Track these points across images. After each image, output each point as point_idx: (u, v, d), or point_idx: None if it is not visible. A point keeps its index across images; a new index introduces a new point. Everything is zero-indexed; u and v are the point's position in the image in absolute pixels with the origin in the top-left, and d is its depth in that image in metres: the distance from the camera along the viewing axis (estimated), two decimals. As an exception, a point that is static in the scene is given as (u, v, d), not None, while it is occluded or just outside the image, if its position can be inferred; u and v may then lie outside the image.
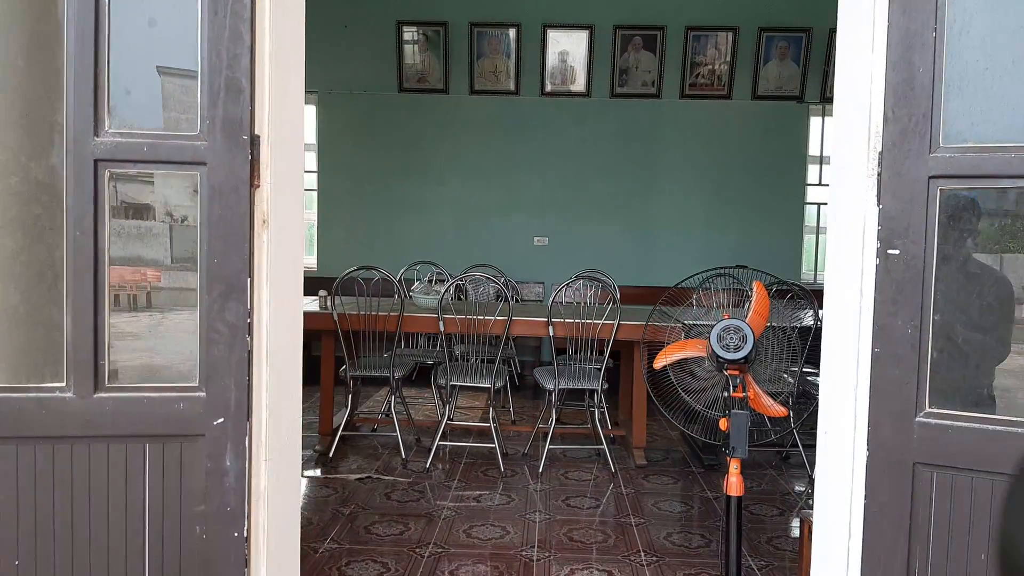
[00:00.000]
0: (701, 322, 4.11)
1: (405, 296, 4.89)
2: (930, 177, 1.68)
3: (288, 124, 1.96)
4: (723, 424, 2.34)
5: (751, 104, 6.86)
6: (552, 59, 6.77)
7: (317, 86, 6.93)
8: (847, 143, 1.85)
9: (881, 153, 1.74)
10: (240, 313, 1.78)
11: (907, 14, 1.67)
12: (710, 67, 6.80)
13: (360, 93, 6.91)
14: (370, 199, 6.97)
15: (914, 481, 1.70)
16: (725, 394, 2.37)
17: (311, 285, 7.02)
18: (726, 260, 6.97)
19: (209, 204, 1.76)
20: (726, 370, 2.40)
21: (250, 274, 1.80)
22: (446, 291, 4.36)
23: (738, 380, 2.38)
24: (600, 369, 4.59)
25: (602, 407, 4.83)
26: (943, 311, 1.69)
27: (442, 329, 4.38)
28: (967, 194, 1.70)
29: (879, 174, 1.74)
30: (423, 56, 6.80)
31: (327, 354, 4.65)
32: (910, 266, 1.69)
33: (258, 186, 1.83)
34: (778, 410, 2.49)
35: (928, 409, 1.70)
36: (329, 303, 4.43)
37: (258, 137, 1.82)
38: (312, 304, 4.79)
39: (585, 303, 4.43)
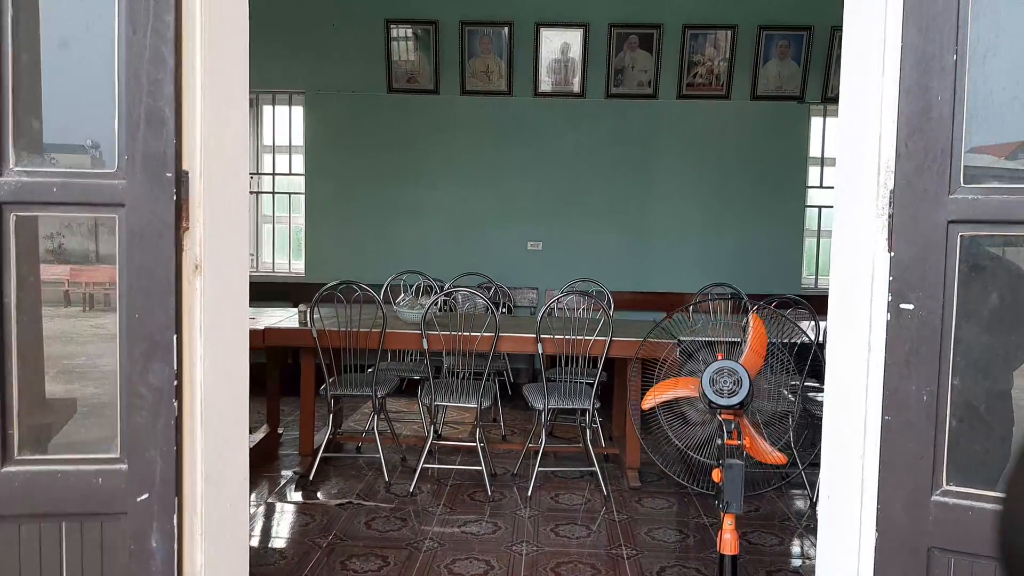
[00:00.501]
0: (697, 338, 3.87)
1: (390, 308, 4.68)
2: (949, 222, 1.46)
3: (228, 155, 1.74)
4: (716, 475, 2.12)
5: (750, 104, 6.62)
6: (546, 58, 6.53)
7: (304, 86, 6.70)
8: (853, 177, 1.63)
9: (893, 191, 1.51)
10: (165, 375, 1.56)
11: (924, 34, 1.44)
12: (708, 66, 6.56)
13: (348, 93, 6.68)
14: (359, 203, 6.74)
15: (929, 568, 1.49)
16: (719, 441, 2.16)
17: (299, 292, 6.82)
18: (725, 265, 6.76)
19: (128, 251, 1.54)
20: (720, 414, 2.19)
21: (178, 329, 1.58)
22: (430, 307, 4.14)
23: (733, 425, 2.16)
24: (592, 385, 4.38)
25: (595, 424, 4.62)
26: (963, 375, 1.47)
27: (426, 347, 4.16)
28: (992, 242, 1.47)
29: (890, 215, 1.52)
30: (413, 56, 6.57)
31: (307, 372, 4.44)
32: (926, 323, 1.47)
33: (187, 228, 1.61)
34: (777, 457, 2.27)
35: (946, 487, 1.49)
36: (308, 318, 4.21)
37: (187, 173, 1.60)
38: (292, 319, 4.57)
39: (576, 317, 4.20)
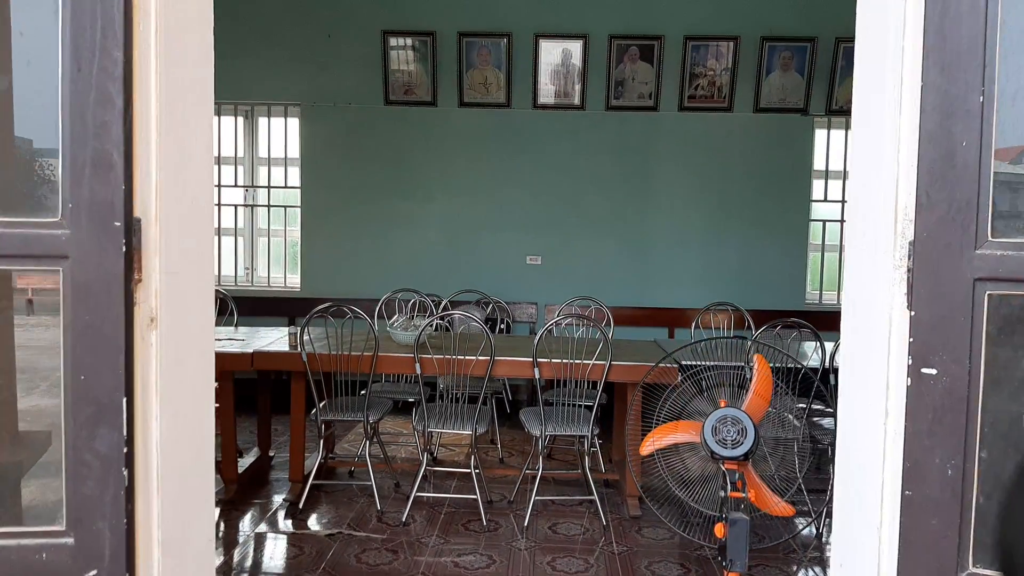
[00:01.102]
0: (700, 363, 3.73)
1: (384, 328, 4.54)
2: (975, 279, 1.31)
3: (189, 198, 1.60)
4: (719, 530, 1.98)
5: (753, 117, 6.47)
6: (545, 70, 6.39)
7: (300, 98, 6.57)
8: (868, 224, 1.48)
9: (912, 244, 1.37)
10: (114, 441, 1.42)
11: (946, 73, 1.30)
12: (710, 78, 6.41)
13: (344, 106, 6.55)
14: (355, 216, 6.61)
15: (954, 659, 1.34)
16: (722, 493, 2.01)
17: (294, 308, 6.69)
18: (727, 279, 6.61)
19: (73, 307, 1.40)
20: (723, 464, 2.04)
21: (129, 390, 1.44)
22: (422, 330, 4.00)
23: (737, 476, 2.01)
24: (592, 408, 4.23)
25: (594, 448, 4.47)
26: (992, 447, 1.33)
27: (419, 371, 4.02)
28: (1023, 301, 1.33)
29: (910, 269, 1.37)
30: (410, 67, 6.43)
31: (297, 395, 4.30)
32: (951, 391, 1.32)
33: (140, 280, 1.47)
34: (784, 508, 2.13)
35: (972, 569, 1.34)
36: (298, 341, 4.07)
37: (139, 221, 1.46)
38: (282, 341, 4.43)
39: (575, 339, 4.05)
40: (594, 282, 6.53)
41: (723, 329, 5.18)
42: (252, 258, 6.84)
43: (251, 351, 4.15)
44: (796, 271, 6.57)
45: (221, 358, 4.18)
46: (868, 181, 1.49)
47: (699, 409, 2.39)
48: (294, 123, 6.67)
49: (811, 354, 4.47)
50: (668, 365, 4.04)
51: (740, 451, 1.96)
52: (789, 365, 3.90)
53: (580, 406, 4.11)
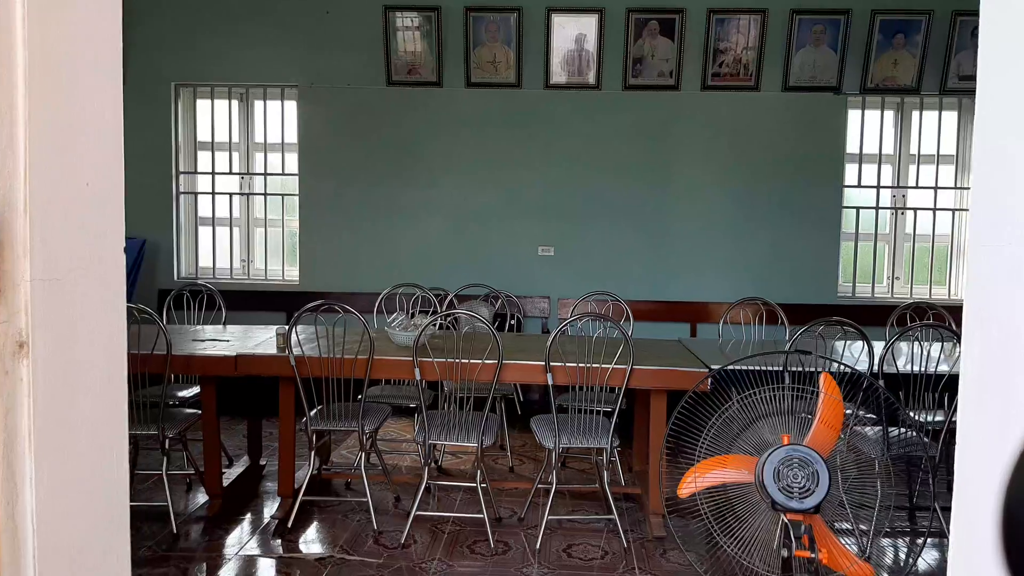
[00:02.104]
0: (734, 366, 3.29)
1: (381, 328, 4.12)
2: None
3: (80, 183, 1.17)
4: (781, 602, 1.55)
5: (782, 96, 5.99)
6: (558, 47, 5.92)
7: (296, 79, 6.13)
8: (1000, 261, 1.04)
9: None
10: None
11: None
12: (735, 54, 5.93)
13: (344, 87, 6.11)
14: (356, 205, 6.18)
15: None
16: (784, 552, 1.58)
17: (293, 302, 6.27)
18: (754, 271, 6.14)
19: None
20: (785, 514, 1.61)
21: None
22: (422, 331, 3.56)
23: (803, 529, 1.58)
24: (612, 415, 3.80)
25: (612, 459, 4.03)
26: None
27: (418, 377, 3.59)
28: None
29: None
30: (414, 45, 5.98)
31: (285, 402, 3.88)
32: None
33: (-3, 293, 1.04)
34: (861, 568, 1.69)
35: None
36: (286, 343, 3.65)
37: (-7, 211, 1.03)
38: (271, 343, 4.02)
39: (591, 339, 3.61)
40: (610, 274, 6.09)
41: (753, 325, 4.73)
42: (248, 250, 6.43)
43: (234, 354, 3.73)
44: (828, 262, 6.10)
45: (202, 362, 3.79)
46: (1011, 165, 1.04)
47: (758, 443, 1.95)
48: (292, 106, 6.25)
49: (858, 358, 4.01)
50: (697, 369, 3.61)
51: (811, 503, 1.53)
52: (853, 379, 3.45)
53: (598, 413, 3.67)
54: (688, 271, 6.09)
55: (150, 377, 3.73)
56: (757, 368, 3.67)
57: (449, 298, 5.15)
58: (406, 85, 6.06)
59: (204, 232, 6.43)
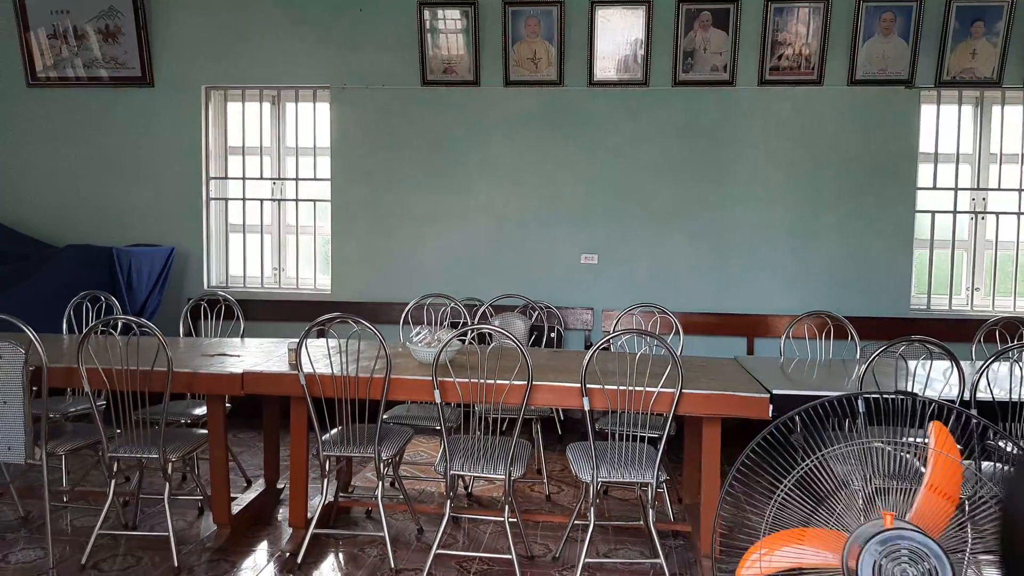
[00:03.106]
0: (824, 393, 2.81)
1: (401, 344, 3.73)
2: None
3: None
4: None
5: (847, 91, 5.44)
6: (602, 42, 5.48)
7: (329, 79, 5.82)
8: None
9: None
10: None
11: None
12: (796, 46, 5.41)
13: (377, 88, 5.77)
14: (389, 210, 5.82)
15: None
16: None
17: (325, 312, 5.91)
18: (817, 281, 5.58)
19: None
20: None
21: None
22: (443, 348, 3.15)
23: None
24: (659, 440, 3.34)
25: (660, 490, 3.56)
26: None
27: (438, 400, 3.18)
28: None
29: None
30: (450, 43, 5.61)
31: (297, 424, 3.51)
32: None
33: None
34: None
35: None
36: (297, 359, 3.28)
37: None
38: (284, 359, 3.65)
39: (635, 359, 3.15)
40: (659, 284, 5.61)
41: (820, 340, 4.20)
42: (280, 259, 6.12)
43: (241, 371, 3.37)
44: (899, 272, 5.51)
45: (206, 380, 3.43)
46: None
47: (845, 511, 1.48)
48: (324, 108, 5.93)
49: (947, 382, 3.45)
50: (756, 395, 3.12)
51: (931, 611, 1.08)
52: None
53: (642, 439, 3.20)
54: (744, 280, 5.57)
55: (173, 395, 3.39)
56: (828, 394, 3.17)
57: (482, 310, 4.74)
58: (442, 85, 5.69)
59: (235, 239, 6.15)
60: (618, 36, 5.46)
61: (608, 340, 3.11)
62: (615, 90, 5.56)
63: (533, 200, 5.69)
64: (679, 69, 5.47)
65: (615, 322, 4.32)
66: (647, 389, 3.09)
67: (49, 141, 6.05)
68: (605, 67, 5.52)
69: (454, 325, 4.75)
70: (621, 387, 3.09)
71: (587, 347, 5.59)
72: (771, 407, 3.12)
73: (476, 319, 4.64)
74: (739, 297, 5.58)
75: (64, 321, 4.40)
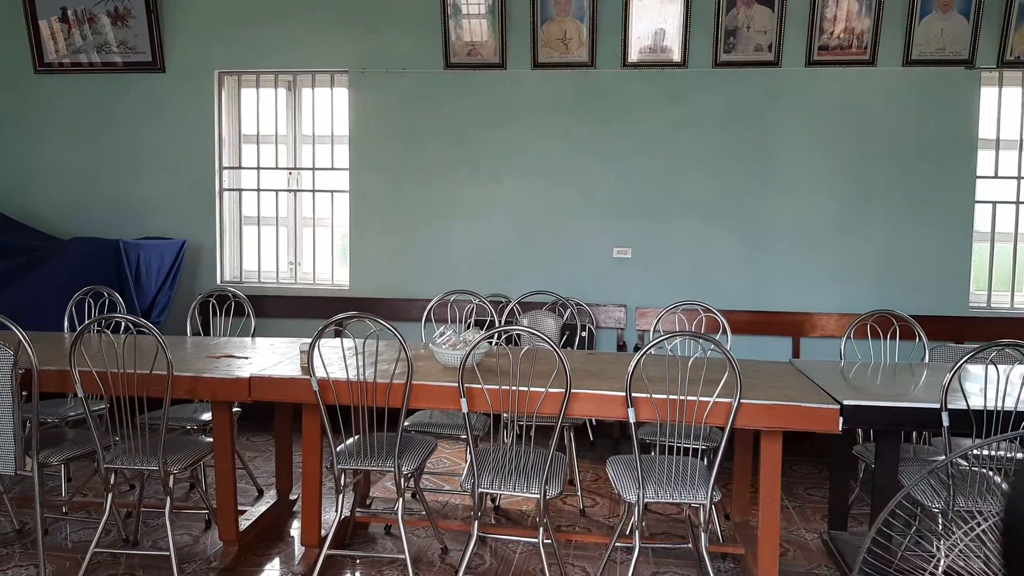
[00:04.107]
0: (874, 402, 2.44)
1: (423, 345, 3.38)
2: None
3: None
4: None
5: (902, 72, 5.02)
6: (637, 20, 5.09)
7: (347, 63, 5.47)
8: None
9: None
10: None
11: None
12: (846, 24, 4.99)
13: (398, 72, 5.42)
14: (411, 201, 5.48)
15: None
16: None
17: (343, 308, 5.58)
18: (869, 277, 5.16)
19: None
20: None
21: None
22: (471, 351, 2.79)
23: None
24: (711, 454, 2.96)
25: (711, 524, 3.20)
26: None
27: (465, 410, 2.83)
28: None
29: None
30: (474, 23, 5.25)
31: (310, 433, 3.18)
32: None
33: None
34: None
35: None
36: (309, 364, 2.94)
37: None
38: (291, 363, 3.31)
39: (685, 363, 2.78)
40: (696, 279, 5.22)
41: (884, 340, 3.80)
42: (296, 253, 5.80)
43: (248, 375, 3.04)
44: (957, 266, 5.09)
45: (209, 384, 3.10)
46: None
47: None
48: (342, 94, 5.59)
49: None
50: (825, 406, 2.73)
51: None
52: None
53: (690, 451, 2.84)
54: (788, 276, 5.17)
55: (176, 400, 3.07)
56: (912, 406, 2.79)
57: (510, 307, 4.39)
58: (466, 68, 5.33)
59: (249, 232, 5.83)
60: (654, 13, 5.07)
61: (658, 343, 2.74)
62: (651, 72, 5.17)
63: (563, 190, 5.32)
64: (720, 49, 5.07)
65: (655, 321, 3.94)
66: (701, 399, 2.72)
67: (57, 129, 5.76)
68: (640, 47, 5.13)
69: (479, 323, 4.40)
70: (671, 396, 2.72)
71: (619, 347, 5.22)
72: (840, 419, 2.74)
73: (504, 317, 4.29)
74: (782, 294, 5.18)
75: (65, 319, 4.10)
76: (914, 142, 5.05)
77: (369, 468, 3.02)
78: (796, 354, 5.10)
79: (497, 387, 2.82)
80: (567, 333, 4.33)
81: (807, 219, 5.14)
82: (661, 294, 5.22)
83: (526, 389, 2.79)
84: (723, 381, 2.69)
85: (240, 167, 5.78)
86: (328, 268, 5.77)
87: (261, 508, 3.63)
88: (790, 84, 5.08)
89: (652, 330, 3.92)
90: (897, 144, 5.06)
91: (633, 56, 5.14)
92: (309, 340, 3.02)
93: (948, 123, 5.04)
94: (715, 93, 5.14)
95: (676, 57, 5.11)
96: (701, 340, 2.74)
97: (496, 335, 2.86)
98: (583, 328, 4.62)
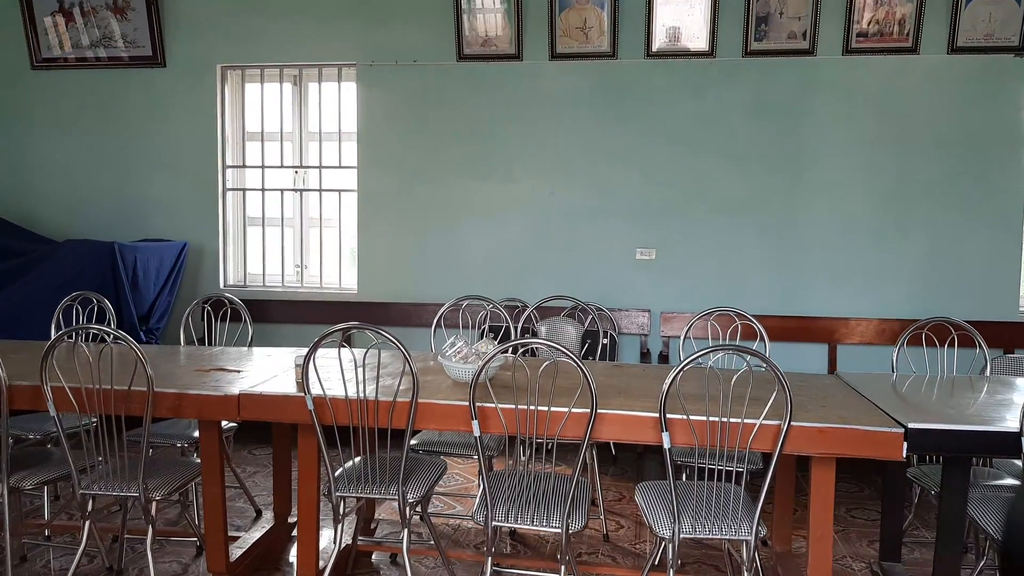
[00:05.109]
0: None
1: (432, 357, 3.04)
2: None
3: None
4: None
5: (946, 60, 4.63)
6: (662, 6, 4.74)
7: (355, 56, 5.15)
8: None
9: None
10: None
11: None
12: (887, 9, 4.61)
13: (408, 64, 5.09)
14: (421, 201, 5.15)
15: None
16: None
17: (351, 314, 5.28)
18: (910, 281, 4.78)
19: None
20: None
21: None
22: (484, 367, 2.45)
23: None
24: (750, 478, 2.61)
25: (755, 564, 2.83)
26: None
27: (477, 433, 2.48)
28: None
29: None
30: (489, 12, 4.91)
31: (306, 456, 2.84)
32: None
33: None
34: None
35: None
36: (303, 380, 2.60)
37: None
38: (287, 377, 2.99)
39: (730, 381, 2.43)
40: (724, 282, 4.86)
41: (940, 348, 3.42)
42: (302, 255, 5.48)
43: (237, 392, 2.71)
44: (1005, 269, 4.69)
45: (195, 402, 2.76)
46: None
47: None
48: (350, 89, 5.27)
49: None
50: (888, 429, 2.37)
51: None
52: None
53: (728, 475, 2.48)
54: (822, 280, 4.79)
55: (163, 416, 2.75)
56: (988, 429, 2.42)
57: (527, 313, 4.04)
58: (480, 60, 4.99)
59: (253, 234, 5.52)
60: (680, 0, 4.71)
61: (696, 357, 2.38)
62: (676, 62, 4.81)
63: (582, 189, 4.97)
64: (750, 37, 4.70)
65: (686, 328, 3.58)
66: (745, 421, 2.36)
67: (54, 127, 5.47)
68: (665, 36, 4.77)
69: (494, 329, 4.06)
70: (712, 418, 2.37)
71: (643, 355, 4.87)
72: (904, 445, 2.38)
73: (520, 323, 3.94)
74: (815, 298, 4.81)
75: (52, 327, 3.80)
76: (959, 136, 4.66)
77: (371, 496, 2.69)
78: (832, 363, 4.73)
79: (513, 407, 2.47)
80: (588, 341, 3.98)
81: (843, 219, 4.76)
82: (687, 298, 4.87)
83: (546, 409, 2.44)
84: (771, 400, 2.33)
85: (244, 166, 5.47)
86: (335, 271, 5.45)
87: (256, 534, 3.31)
88: (825, 74, 4.70)
89: (683, 338, 3.55)
90: (940, 138, 4.67)
91: (657, 45, 4.78)
92: (298, 355, 2.68)
93: (996, 115, 4.64)
94: (745, 85, 4.77)
95: (703, 46, 4.74)
96: (746, 355, 2.38)
97: (513, 349, 2.51)
98: (604, 334, 4.26)
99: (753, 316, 3.63)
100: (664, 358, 4.79)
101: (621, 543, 3.46)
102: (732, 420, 2.35)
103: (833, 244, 4.78)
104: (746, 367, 2.39)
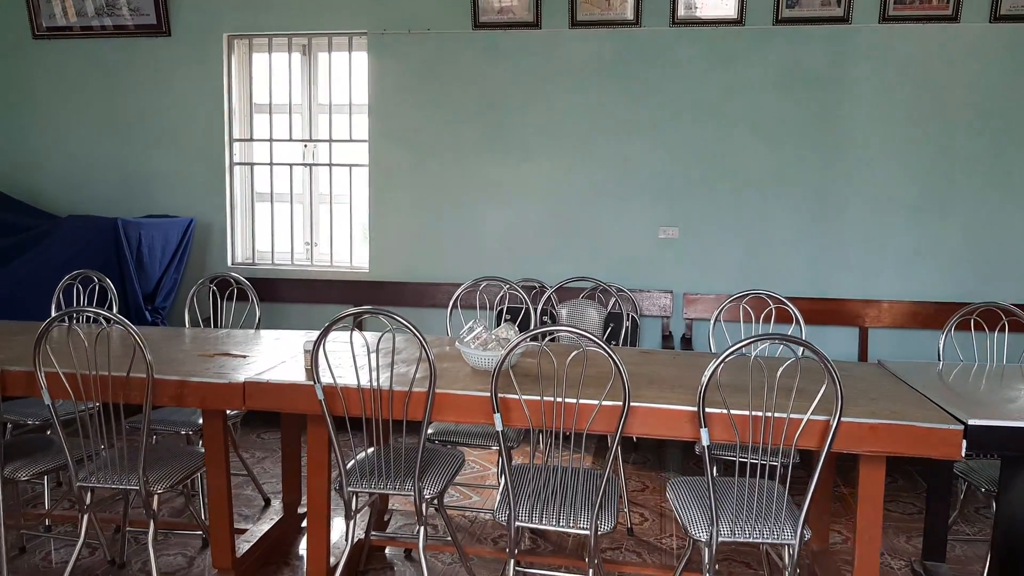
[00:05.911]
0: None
1: (449, 342, 2.85)
2: None
3: None
4: None
5: (989, 28, 4.36)
6: (688, -28, 4.48)
7: (366, 25, 4.91)
8: None
9: None
10: None
11: None
12: (928, -26, 4.34)
13: (421, 32, 4.85)
14: (435, 176, 4.93)
15: None
16: None
17: (363, 294, 5.09)
18: (947, 262, 4.55)
19: None
20: None
21: None
22: (507, 356, 2.25)
23: None
24: (794, 479, 2.41)
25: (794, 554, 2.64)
26: None
27: (499, 427, 2.29)
28: None
29: None
30: (506, -22, 4.66)
31: (316, 449, 2.66)
32: None
33: None
34: None
35: None
36: (313, 368, 2.41)
37: None
38: (295, 363, 2.80)
39: (774, 373, 2.23)
40: (751, 263, 4.64)
41: (990, 332, 3.20)
42: (312, 232, 5.29)
43: (242, 380, 2.53)
44: (1049, 249, 4.45)
45: (198, 390, 2.57)
46: None
47: None
48: (361, 59, 5.04)
49: None
50: (946, 426, 2.16)
51: None
52: None
53: (770, 466, 2.28)
54: (855, 260, 4.56)
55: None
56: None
57: (547, 295, 3.84)
58: (496, 28, 4.75)
59: (262, 210, 5.33)
60: (709, -36, 4.44)
61: (739, 347, 2.17)
62: (703, 30, 4.55)
63: (603, 164, 4.73)
64: (782, 3, 4.43)
65: (717, 311, 3.37)
66: (791, 416, 2.16)
67: (56, 99, 5.27)
68: (691, 2, 4.51)
69: (511, 311, 3.87)
70: (755, 412, 2.17)
71: (664, 338, 4.66)
72: (964, 443, 2.17)
73: (540, 306, 3.74)
74: (848, 280, 4.58)
75: (52, 307, 3.62)
76: (1003, 109, 4.40)
77: (384, 491, 2.51)
78: (864, 347, 4.51)
79: (539, 398, 2.28)
80: (611, 325, 3.78)
81: (878, 196, 4.52)
82: (711, 279, 4.65)
83: (575, 401, 2.25)
84: (820, 394, 2.12)
85: (252, 139, 5.26)
86: (346, 249, 5.26)
87: (265, 526, 3.14)
88: (861, 43, 4.43)
89: (712, 322, 3.34)
90: (982, 111, 4.41)
91: (683, 11, 4.52)
92: (307, 340, 2.49)
93: (1042, 87, 4.38)
94: (775, 54, 4.51)
95: (732, 13, 4.48)
96: (795, 345, 2.17)
97: (535, 336, 2.31)
98: (627, 316, 4.06)
99: (787, 297, 3.41)
100: (687, 342, 4.58)
101: (646, 537, 3.28)
102: (777, 415, 2.15)
103: (867, 223, 4.54)
104: (793, 358, 2.18)
